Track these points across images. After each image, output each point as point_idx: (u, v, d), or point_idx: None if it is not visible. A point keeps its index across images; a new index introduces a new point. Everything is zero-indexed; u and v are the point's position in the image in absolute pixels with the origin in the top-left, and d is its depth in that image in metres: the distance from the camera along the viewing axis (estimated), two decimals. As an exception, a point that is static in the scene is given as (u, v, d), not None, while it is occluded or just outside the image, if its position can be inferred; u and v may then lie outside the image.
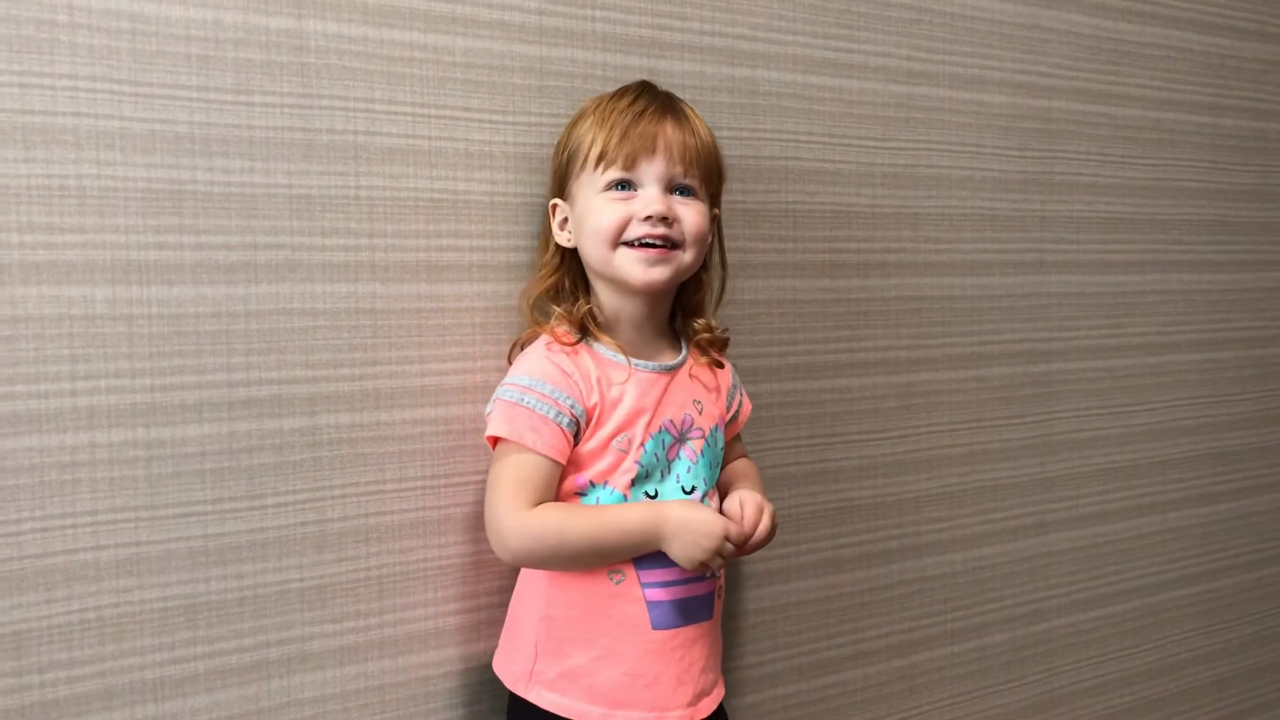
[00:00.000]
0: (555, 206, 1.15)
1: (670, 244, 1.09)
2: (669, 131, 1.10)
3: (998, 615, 1.61)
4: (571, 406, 1.07)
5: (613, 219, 1.08)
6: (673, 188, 1.10)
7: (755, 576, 1.39)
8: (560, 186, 1.14)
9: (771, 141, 1.36)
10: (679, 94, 1.27)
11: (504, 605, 1.19)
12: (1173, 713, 1.82)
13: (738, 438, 1.27)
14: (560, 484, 1.09)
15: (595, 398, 1.08)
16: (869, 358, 1.47)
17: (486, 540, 1.11)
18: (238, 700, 1.07)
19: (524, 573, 1.13)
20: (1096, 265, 1.68)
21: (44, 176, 0.97)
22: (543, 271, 1.16)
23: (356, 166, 1.10)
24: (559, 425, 1.06)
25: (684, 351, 1.18)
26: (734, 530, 1.06)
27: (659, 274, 1.09)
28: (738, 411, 1.24)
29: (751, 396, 1.35)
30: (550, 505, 1.06)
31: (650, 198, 1.08)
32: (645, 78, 1.25)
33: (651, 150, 1.09)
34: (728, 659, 1.37)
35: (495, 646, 1.18)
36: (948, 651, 1.56)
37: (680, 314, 1.20)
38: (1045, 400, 1.64)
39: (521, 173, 1.18)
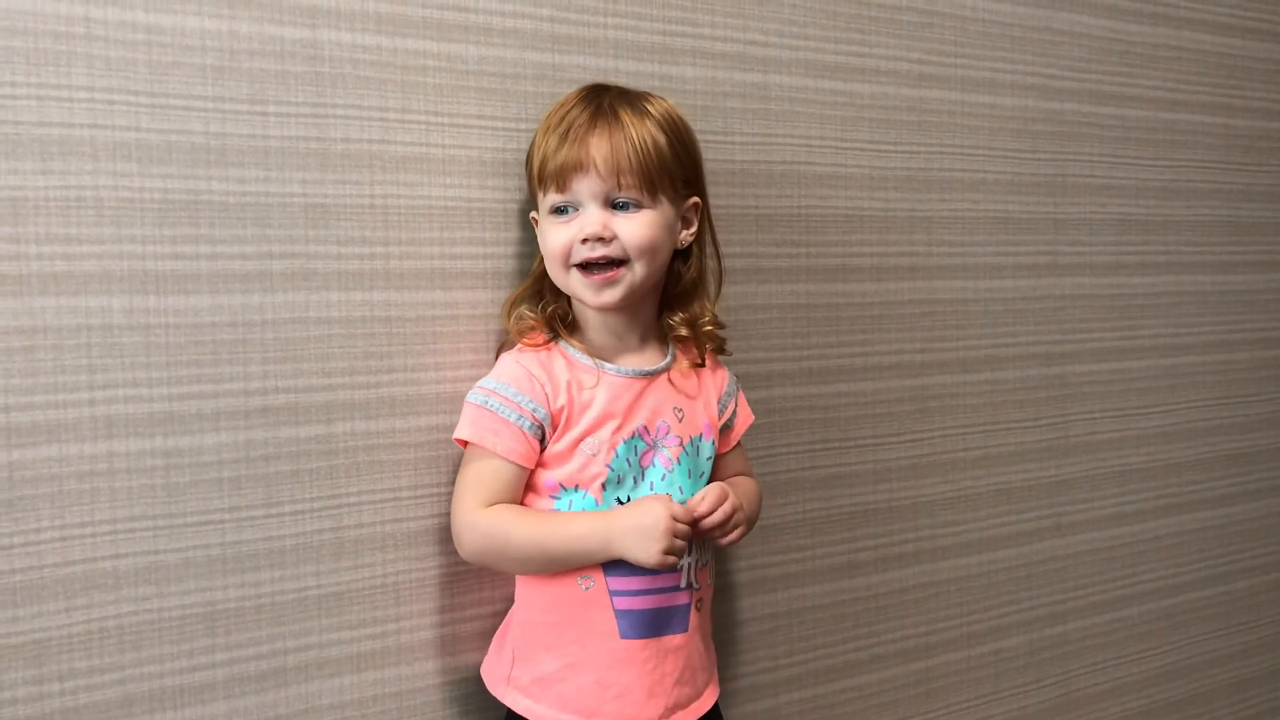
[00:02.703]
0: (535, 219, 1.14)
1: (614, 262, 1.07)
2: (592, 148, 1.06)
3: (1014, 618, 1.61)
4: (534, 410, 1.07)
5: (558, 244, 1.08)
6: (611, 202, 1.07)
7: (769, 581, 1.38)
8: (534, 199, 1.14)
9: (783, 146, 1.36)
10: (686, 99, 1.28)
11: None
12: (1190, 715, 1.81)
13: (739, 449, 1.25)
14: (534, 486, 1.09)
15: (563, 400, 1.08)
16: (882, 361, 1.47)
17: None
18: (256, 707, 1.07)
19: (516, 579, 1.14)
20: (1110, 267, 1.68)
21: (62, 188, 0.97)
22: (527, 278, 1.16)
23: (371, 175, 1.10)
24: (520, 429, 1.07)
25: (669, 355, 1.16)
26: (677, 508, 1.04)
27: (609, 297, 1.08)
28: (732, 419, 1.21)
29: (764, 401, 1.35)
30: (503, 507, 1.07)
31: (588, 220, 1.07)
32: (655, 83, 1.26)
33: (579, 169, 1.06)
34: (743, 664, 1.37)
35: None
36: (964, 655, 1.56)
37: (665, 307, 1.17)
38: (1060, 403, 1.64)
39: (535, 180, 1.18)
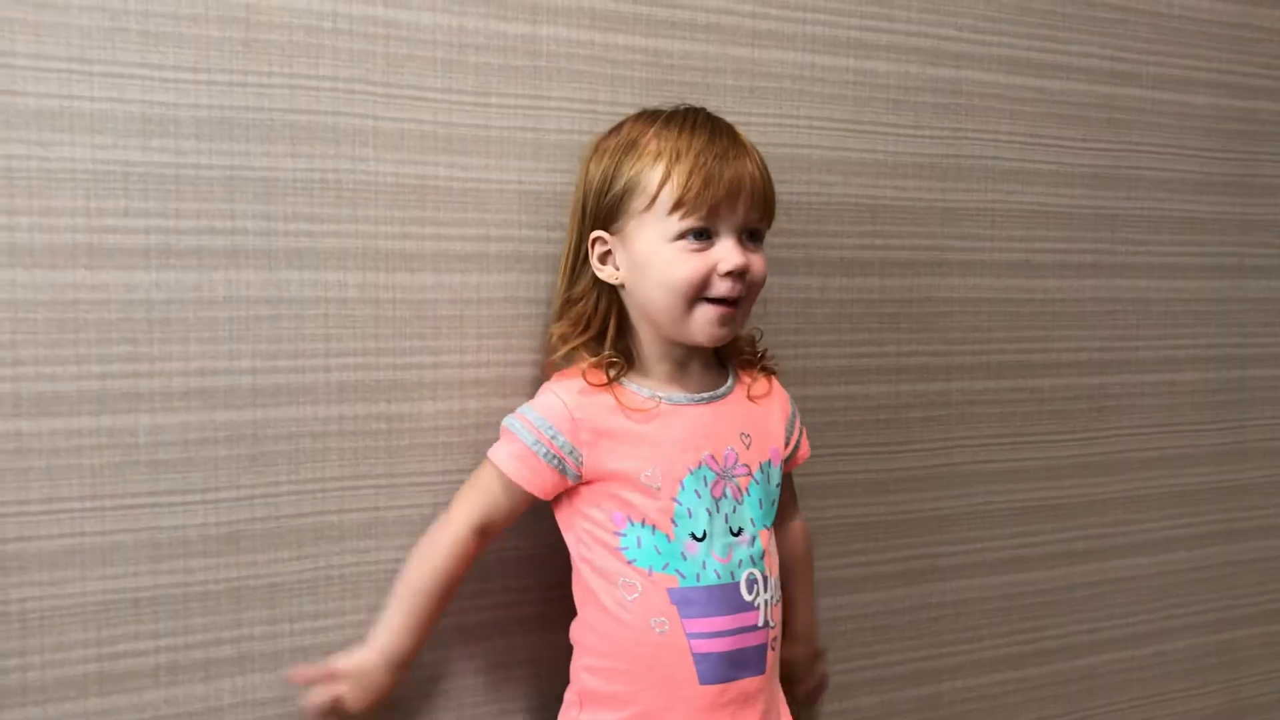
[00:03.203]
0: (596, 240, 1.07)
1: (740, 298, 1.04)
2: (747, 176, 1.02)
3: (1182, 621, 1.59)
4: (553, 438, 1.03)
5: (693, 274, 1.01)
6: (744, 233, 1.04)
7: (937, 570, 1.41)
8: (605, 220, 1.06)
9: (972, 141, 1.38)
10: (879, 93, 1.31)
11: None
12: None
13: (790, 485, 1.19)
14: (598, 522, 1.04)
15: (602, 428, 1.03)
16: (1060, 359, 1.47)
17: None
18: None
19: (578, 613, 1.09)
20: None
21: (307, 170, 1.05)
22: (577, 311, 1.09)
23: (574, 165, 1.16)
24: (535, 453, 1.03)
25: (730, 379, 1.11)
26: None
27: (726, 334, 1.05)
28: (795, 450, 1.16)
29: (941, 394, 1.37)
30: (445, 540, 1.05)
31: (730, 251, 1.01)
32: (849, 78, 1.28)
33: (735, 198, 1.01)
34: (907, 650, 1.39)
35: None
36: (1129, 655, 1.55)
37: None
38: (1238, 407, 1.62)
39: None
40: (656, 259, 1.02)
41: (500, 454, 1.05)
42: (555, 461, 1.03)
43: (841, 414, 1.33)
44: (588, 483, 1.05)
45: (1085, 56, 1.45)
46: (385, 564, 1.10)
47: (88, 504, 1.00)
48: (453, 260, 1.11)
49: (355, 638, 1.09)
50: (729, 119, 1.08)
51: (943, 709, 1.42)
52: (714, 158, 1.01)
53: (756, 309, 1.22)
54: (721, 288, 1.02)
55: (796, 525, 1.21)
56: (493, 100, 1.12)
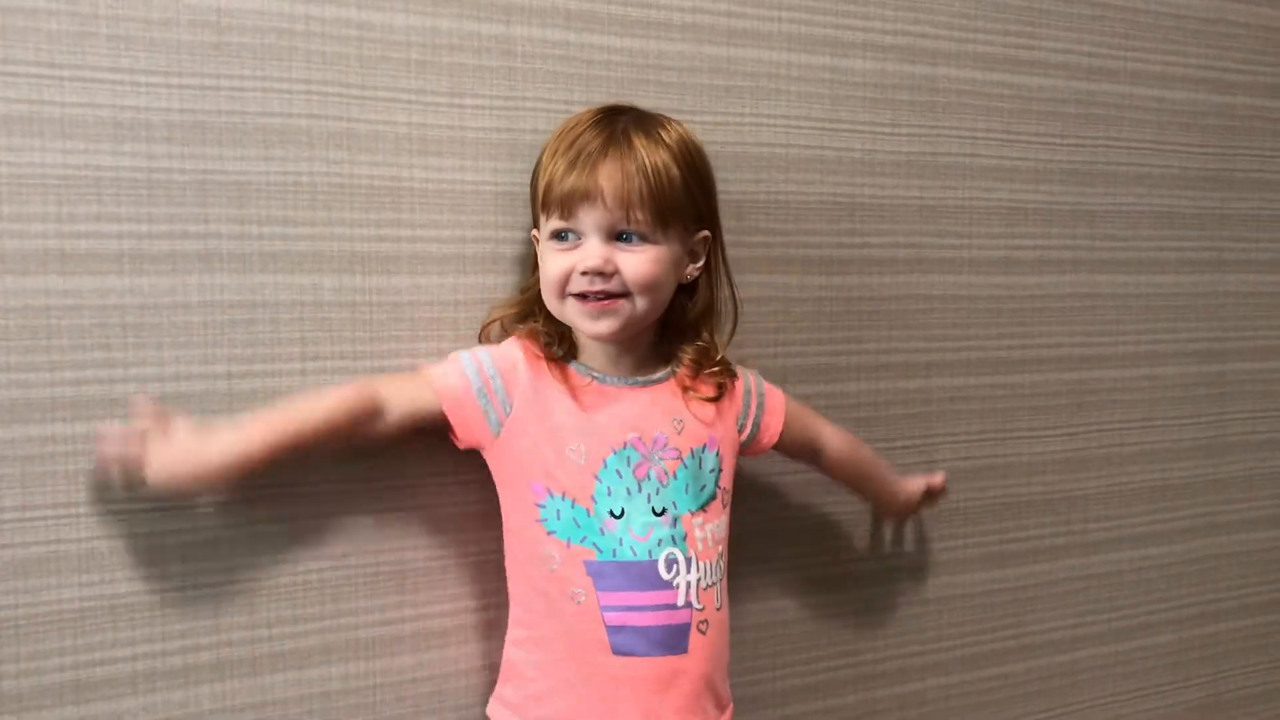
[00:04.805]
0: (535, 237, 1.10)
1: (612, 295, 1.03)
2: (604, 177, 1.01)
3: (1164, 615, 1.60)
4: (492, 378, 1.04)
5: (556, 272, 1.04)
6: (616, 234, 1.03)
7: (920, 568, 1.41)
8: (535, 216, 1.09)
9: (950, 138, 1.38)
10: (855, 91, 1.31)
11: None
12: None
13: (810, 417, 1.23)
14: (519, 491, 1.05)
15: (531, 392, 1.05)
16: (1041, 354, 1.47)
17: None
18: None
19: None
20: (1275, 264, 1.65)
21: (280, 173, 1.05)
22: (522, 298, 1.12)
23: (557, 164, 1.16)
24: (470, 383, 1.04)
25: (668, 367, 1.11)
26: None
27: (605, 326, 1.04)
28: (755, 432, 1.16)
29: (922, 391, 1.38)
30: (338, 390, 1.02)
31: (589, 252, 1.02)
32: (825, 75, 1.28)
33: (586, 198, 1.01)
34: (891, 647, 1.40)
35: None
36: (1112, 649, 1.56)
37: (667, 336, 1.12)
38: (1218, 401, 1.62)
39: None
40: (542, 256, 1.07)
41: (437, 368, 1.06)
42: (483, 400, 1.04)
43: (822, 412, 1.32)
44: (513, 451, 1.05)
45: (1062, 52, 1.45)
46: (364, 568, 1.10)
47: (63, 511, 0.99)
48: (429, 262, 1.11)
49: (334, 642, 1.09)
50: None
51: (927, 705, 1.43)
52: (571, 161, 1.03)
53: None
54: (579, 284, 1.03)
55: (838, 436, 1.26)
56: (467, 101, 1.12)
